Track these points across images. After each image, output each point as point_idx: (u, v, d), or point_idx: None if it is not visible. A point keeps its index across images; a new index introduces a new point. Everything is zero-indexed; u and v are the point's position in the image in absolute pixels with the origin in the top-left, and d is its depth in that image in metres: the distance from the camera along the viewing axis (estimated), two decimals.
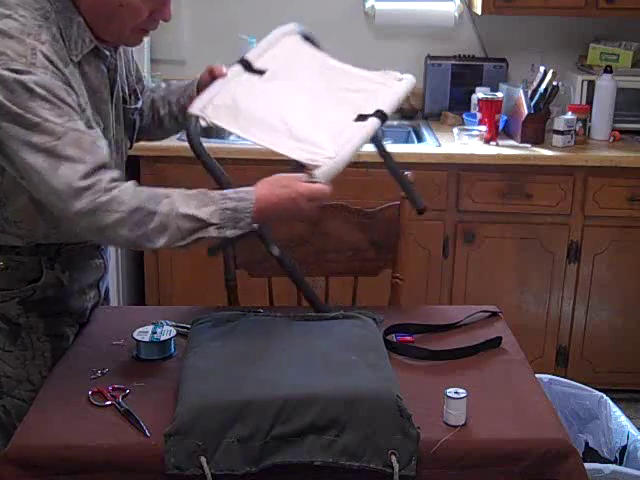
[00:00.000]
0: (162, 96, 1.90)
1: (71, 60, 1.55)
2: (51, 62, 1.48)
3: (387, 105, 1.74)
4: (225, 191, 1.58)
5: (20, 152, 1.47)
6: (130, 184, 1.53)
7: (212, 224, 1.53)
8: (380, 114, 1.70)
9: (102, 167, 1.50)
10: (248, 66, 1.80)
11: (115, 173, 1.53)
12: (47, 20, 1.52)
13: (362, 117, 1.70)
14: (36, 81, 1.45)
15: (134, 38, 1.65)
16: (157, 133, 1.96)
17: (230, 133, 2.00)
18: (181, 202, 1.52)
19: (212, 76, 1.77)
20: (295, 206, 1.58)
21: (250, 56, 1.82)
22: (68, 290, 1.78)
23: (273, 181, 1.60)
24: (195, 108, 1.71)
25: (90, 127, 1.56)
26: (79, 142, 1.48)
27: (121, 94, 1.75)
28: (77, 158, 1.47)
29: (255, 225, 1.57)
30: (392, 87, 1.80)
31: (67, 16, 1.55)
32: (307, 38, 1.90)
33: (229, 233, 1.55)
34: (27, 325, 1.73)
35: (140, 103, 1.85)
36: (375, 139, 1.81)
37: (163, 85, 1.95)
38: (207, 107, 1.72)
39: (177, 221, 1.51)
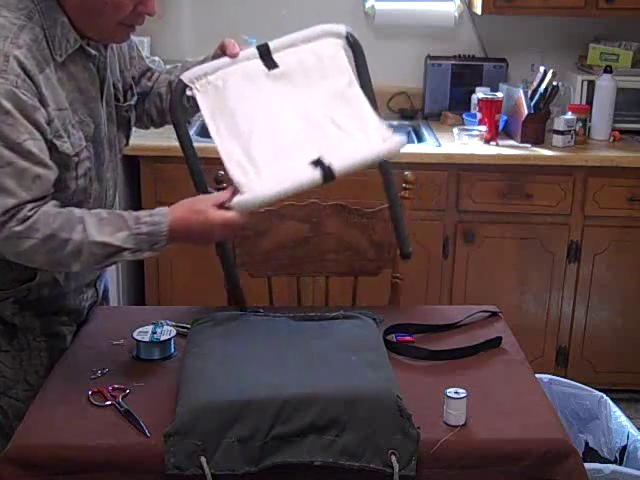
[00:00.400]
0: (178, 76, 1.83)
1: (54, 60, 1.54)
2: (24, 69, 1.47)
3: (342, 166, 1.57)
4: (139, 213, 1.57)
5: None
6: (48, 208, 1.52)
7: (126, 249, 1.55)
8: (327, 171, 1.55)
9: (31, 202, 1.50)
10: (266, 53, 1.71)
11: (40, 202, 1.52)
12: (31, 20, 1.51)
13: (317, 163, 1.56)
14: (3, 93, 1.44)
15: (120, 34, 1.63)
16: None
17: None
18: (94, 229, 1.53)
19: (223, 52, 1.73)
20: (207, 232, 1.59)
21: (274, 44, 1.72)
22: (64, 289, 1.77)
23: (188, 204, 1.59)
24: (187, 76, 1.69)
25: (59, 136, 1.55)
26: (20, 176, 1.48)
27: (113, 92, 1.74)
28: (11, 191, 1.47)
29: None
30: (368, 146, 1.61)
31: (51, 16, 1.54)
32: (353, 46, 1.72)
33: (146, 255, 1.57)
34: (23, 325, 1.73)
35: (134, 100, 1.83)
36: (386, 176, 1.75)
37: (179, 65, 1.89)
38: (200, 79, 1.69)
39: (90, 248, 1.53)
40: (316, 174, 1.55)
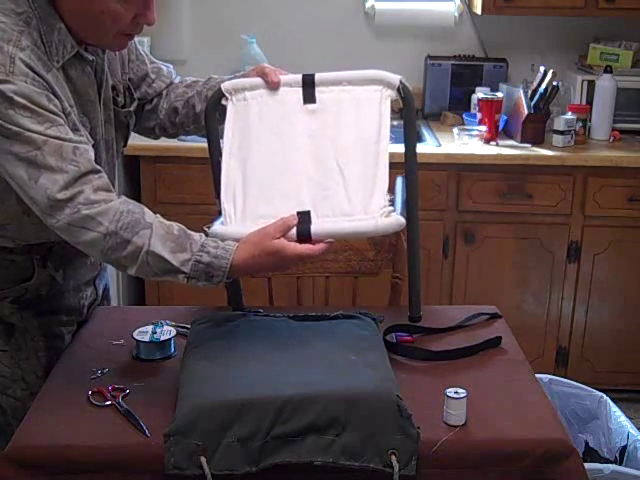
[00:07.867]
0: (199, 91, 1.84)
1: (53, 65, 1.54)
2: (31, 69, 1.47)
3: (323, 231, 1.56)
4: (207, 241, 1.53)
5: (2, 161, 1.48)
6: (116, 205, 1.50)
7: (182, 272, 1.51)
8: (305, 230, 1.54)
9: (84, 175, 1.48)
10: (309, 84, 1.68)
11: (100, 180, 1.51)
12: (29, 26, 1.51)
13: (302, 216, 1.56)
14: (15, 90, 1.44)
15: (118, 43, 1.63)
16: (192, 129, 1.88)
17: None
18: (158, 239, 1.50)
19: (262, 78, 1.71)
20: (281, 267, 1.63)
21: (320, 77, 1.68)
22: (62, 288, 1.77)
23: (255, 243, 1.54)
24: (227, 86, 1.69)
25: (76, 129, 1.55)
26: (60, 151, 1.47)
27: (111, 94, 1.74)
28: (57, 168, 1.46)
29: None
30: (360, 219, 1.57)
31: (49, 22, 1.53)
32: (404, 99, 1.66)
33: (200, 284, 1.52)
34: (21, 325, 1.73)
35: (134, 106, 1.82)
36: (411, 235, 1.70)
37: (202, 80, 1.87)
38: (239, 94, 1.69)
39: (148, 257, 1.49)
40: (293, 229, 1.55)
